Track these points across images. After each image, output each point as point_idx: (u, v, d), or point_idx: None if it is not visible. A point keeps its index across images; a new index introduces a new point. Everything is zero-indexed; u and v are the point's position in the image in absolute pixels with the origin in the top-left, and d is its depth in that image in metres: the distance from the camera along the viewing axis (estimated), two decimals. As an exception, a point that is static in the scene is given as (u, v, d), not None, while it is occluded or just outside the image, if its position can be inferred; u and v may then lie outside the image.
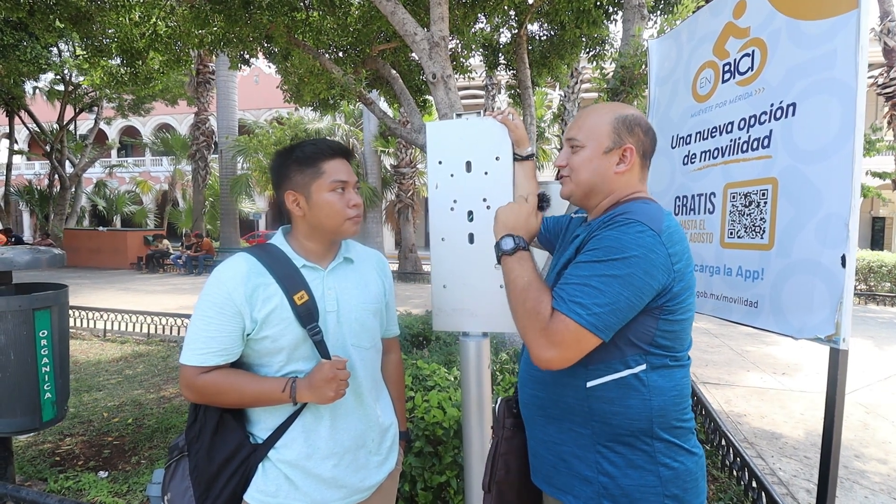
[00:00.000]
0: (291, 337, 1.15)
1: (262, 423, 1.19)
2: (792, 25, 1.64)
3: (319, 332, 1.16)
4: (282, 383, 1.13)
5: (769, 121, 1.72)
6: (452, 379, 2.60)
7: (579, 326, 0.94)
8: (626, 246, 0.96)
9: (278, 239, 1.25)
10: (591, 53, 6.39)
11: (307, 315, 1.15)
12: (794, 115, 1.63)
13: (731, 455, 2.92)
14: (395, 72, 5.92)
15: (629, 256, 0.95)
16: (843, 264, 1.45)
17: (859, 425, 3.78)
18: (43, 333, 2.30)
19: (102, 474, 2.92)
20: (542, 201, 1.25)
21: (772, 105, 1.70)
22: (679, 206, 2.18)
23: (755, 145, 1.77)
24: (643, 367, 1.01)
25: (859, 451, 3.35)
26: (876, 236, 22.63)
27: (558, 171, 1.22)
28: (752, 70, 1.80)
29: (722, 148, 1.93)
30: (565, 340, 0.95)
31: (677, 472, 1.02)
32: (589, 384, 1.04)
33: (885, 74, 12.86)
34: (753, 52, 1.79)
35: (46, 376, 2.32)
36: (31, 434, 3.28)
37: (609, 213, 1.09)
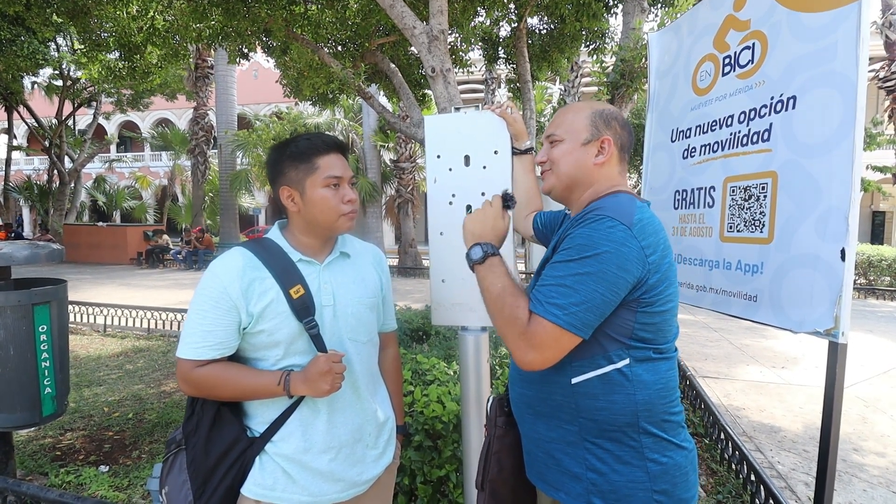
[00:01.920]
0: (288, 331, 1.15)
1: (259, 417, 1.19)
2: (793, 18, 1.62)
3: (316, 326, 1.16)
4: (277, 377, 1.13)
5: (769, 114, 1.70)
6: (452, 373, 2.60)
7: (557, 327, 0.95)
8: (597, 242, 0.97)
9: (274, 233, 1.25)
10: (591, 47, 6.35)
11: (303, 309, 1.15)
12: (794, 108, 1.61)
13: (730, 448, 2.93)
14: (394, 66, 5.89)
15: (601, 252, 0.96)
16: (843, 258, 1.44)
17: (858, 419, 3.79)
18: (42, 328, 2.29)
19: (103, 469, 2.92)
20: (507, 200, 1.22)
21: (772, 98, 1.69)
22: (679, 200, 2.18)
23: (755, 139, 1.76)
24: (626, 361, 1.02)
25: (858, 444, 3.36)
26: (876, 230, 22.64)
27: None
28: (752, 63, 1.79)
29: (722, 141, 1.92)
30: (544, 342, 0.96)
31: (666, 468, 1.02)
32: (574, 381, 1.04)
33: (886, 68, 12.82)
34: (754, 44, 1.78)
35: (46, 371, 2.32)
36: (32, 429, 3.29)
37: (585, 208, 1.10)
